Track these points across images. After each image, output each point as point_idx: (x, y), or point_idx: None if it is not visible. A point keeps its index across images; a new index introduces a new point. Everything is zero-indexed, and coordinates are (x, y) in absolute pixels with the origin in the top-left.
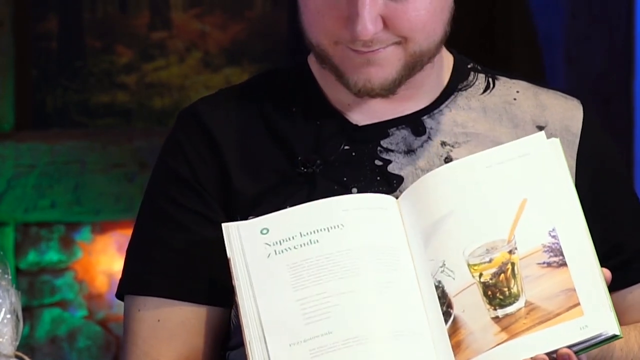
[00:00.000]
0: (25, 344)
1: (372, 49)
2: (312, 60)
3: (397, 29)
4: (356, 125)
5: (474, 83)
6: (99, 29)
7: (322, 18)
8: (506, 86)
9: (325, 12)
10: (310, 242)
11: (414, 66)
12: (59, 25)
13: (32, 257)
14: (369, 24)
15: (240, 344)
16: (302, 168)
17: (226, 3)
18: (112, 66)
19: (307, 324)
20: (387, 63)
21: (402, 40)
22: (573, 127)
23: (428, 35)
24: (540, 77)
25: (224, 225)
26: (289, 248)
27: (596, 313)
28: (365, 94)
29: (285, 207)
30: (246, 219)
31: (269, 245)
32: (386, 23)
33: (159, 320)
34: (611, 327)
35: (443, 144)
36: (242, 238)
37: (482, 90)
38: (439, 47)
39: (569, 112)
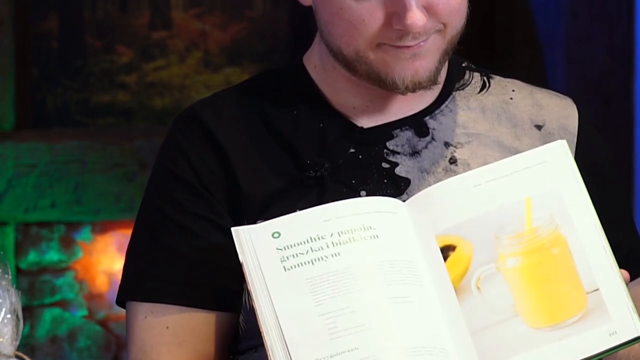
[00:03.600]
0: (25, 344)
1: (418, 41)
2: (309, 63)
3: (439, 15)
4: (361, 128)
5: (470, 82)
6: (99, 29)
7: (363, 24)
8: (501, 85)
9: (367, 17)
10: (326, 254)
11: (448, 53)
12: (59, 24)
13: (32, 256)
14: (418, 15)
15: (248, 349)
16: (311, 171)
17: (226, 3)
18: (112, 66)
19: (332, 339)
20: (429, 54)
21: (442, 27)
22: (570, 126)
23: (462, 16)
24: (540, 77)
25: (233, 229)
26: (303, 253)
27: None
28: (412, 89)
29: (295, 211)
30: (254, 223)
31: (281, 250)
32: (429, 11)
33: (167, 327)
34: (635, 329)
35: (446, 144)
36: (253, 242)
37: (478, 89)
38: (462, 31)
39: (564, 111)
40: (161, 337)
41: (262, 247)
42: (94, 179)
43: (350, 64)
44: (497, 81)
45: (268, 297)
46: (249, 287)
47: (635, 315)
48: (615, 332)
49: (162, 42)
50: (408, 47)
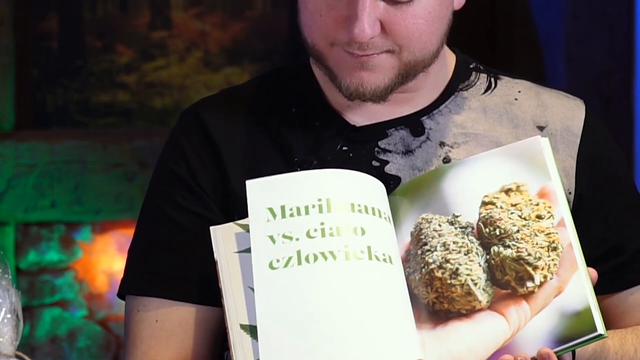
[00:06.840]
0: (25, 344)
1: (366, 52)
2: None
3: (394, 35)
4: (354, 126)
5: (476, 83)
6: (99, 29)
7: (320, 18)
8: (508, 86)
9: (324, 12)
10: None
11: (407, 75)
12: (59, 24)
13: (32, 256)
14: (367, 26)
15: None
16: (299, 169)
17: (226, 3)
18: (112, 66)
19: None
20: (380, 69)
21: (397, 49)
22: (574, 127)
23: (424, 45)
24: (540, 77)
25: (211, 228)
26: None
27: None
28: (357, 97)
29: None
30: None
31: None
32: (384, 28)
33: (157, 321)
34: (595, 326)
35: (442, 144)
36: (225, 241)
37: (483, 90)
38: (433, 58)
39: (570, 112)
40: (151, 330)
41: (233, 246)
42: (94, 179)
43: (314, 56)
44: (504, 82)
45: (232, 295)
46: (220, 285)
47: (597, 313)
48: None
49: (162, 42)
50: (357, 55)
